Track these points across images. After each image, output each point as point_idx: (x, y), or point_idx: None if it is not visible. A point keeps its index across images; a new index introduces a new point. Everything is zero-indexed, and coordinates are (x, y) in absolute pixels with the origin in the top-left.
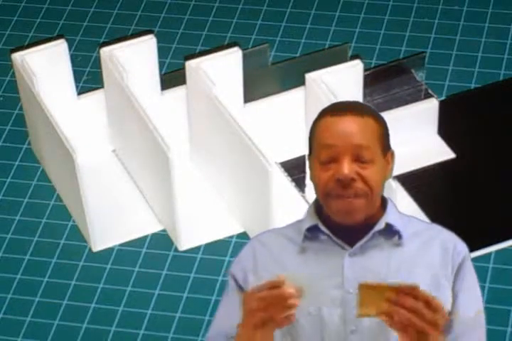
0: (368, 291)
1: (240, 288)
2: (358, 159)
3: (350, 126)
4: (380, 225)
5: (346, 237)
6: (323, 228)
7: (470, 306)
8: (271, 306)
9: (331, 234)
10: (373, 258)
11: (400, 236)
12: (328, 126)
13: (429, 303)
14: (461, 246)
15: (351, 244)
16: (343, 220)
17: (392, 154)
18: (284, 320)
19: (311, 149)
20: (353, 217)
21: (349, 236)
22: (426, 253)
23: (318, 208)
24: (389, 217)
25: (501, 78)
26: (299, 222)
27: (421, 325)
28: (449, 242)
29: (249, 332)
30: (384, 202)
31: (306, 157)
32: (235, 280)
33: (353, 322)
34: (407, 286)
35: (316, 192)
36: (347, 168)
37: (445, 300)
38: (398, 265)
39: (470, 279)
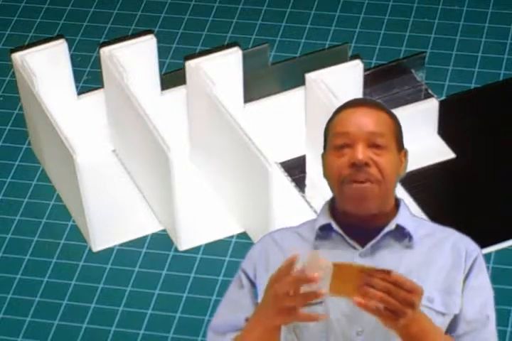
0: (342, 270)
1: (251, 283)
2: (372, 145)
3: (365, 116)
4: (391, 226)
5: (359, 237)
6: (336, 227)
7: (471, 306)
8: (299, 292)
9: (343, 234)
10: (384, 260)
11: (410, 238)
12: (343, 117)
13: (402, 284)
14: (473, 249)
15: (363, 245)
16: (356, 209)
17: (406, 153)
18: (307, 316)
19: (325, 145)
20: (366, 204)
21: (361, 236)
22: (437, 256)
23: (332, 207)
24: (400, 219)
25: (501, 78)
26: (314, 220)
27: (394, 303)
28: (461, 245)
29: (268, 320)
30: (397, 204)
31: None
32: (246, 275)
33: (360, 323)
34: (381, 269)
35: (331, 182)
36: (361, 152)
37: (455, 304)
38: (409, 267)
39: (476, 280)
